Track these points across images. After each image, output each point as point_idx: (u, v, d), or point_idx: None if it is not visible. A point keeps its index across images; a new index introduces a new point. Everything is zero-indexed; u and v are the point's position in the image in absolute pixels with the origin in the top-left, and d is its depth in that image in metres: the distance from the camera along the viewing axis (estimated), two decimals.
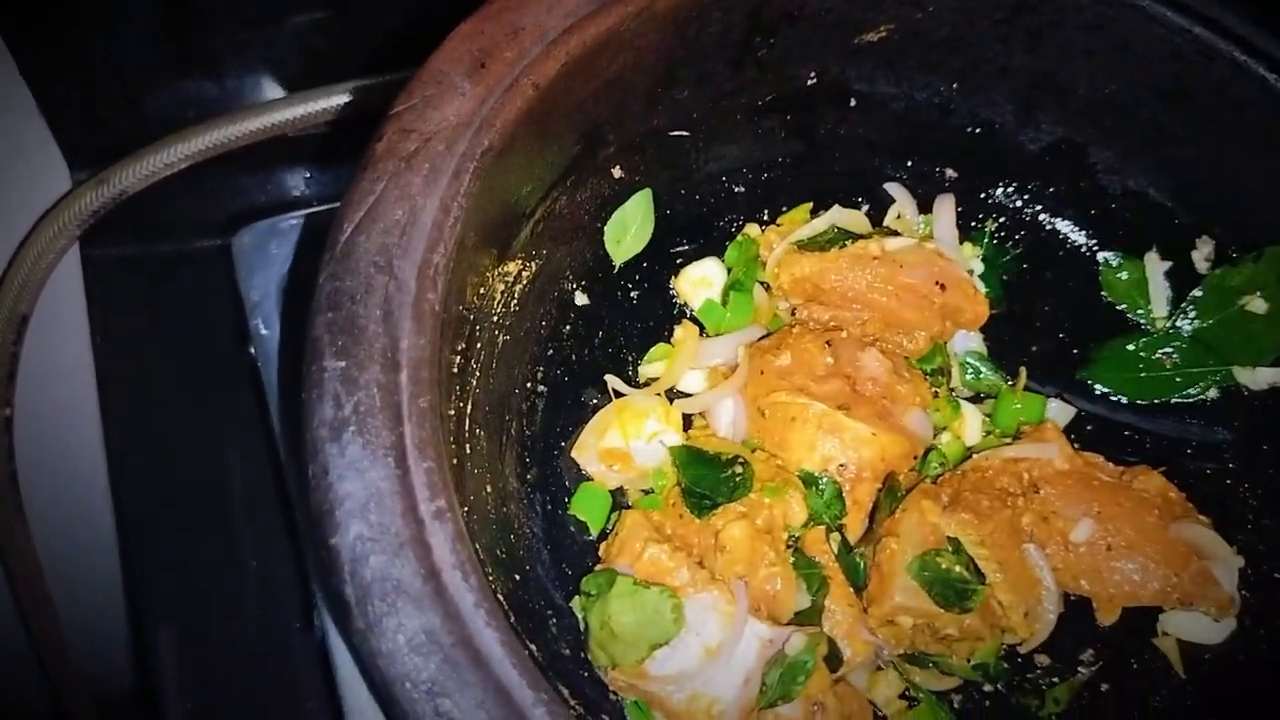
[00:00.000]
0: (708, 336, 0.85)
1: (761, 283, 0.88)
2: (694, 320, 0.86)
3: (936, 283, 0.83)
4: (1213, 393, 0.85)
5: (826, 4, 0.81)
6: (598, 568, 0.73)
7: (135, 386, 1.11)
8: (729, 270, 0.87)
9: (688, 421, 0.82)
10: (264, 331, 0.90)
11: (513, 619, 0.68)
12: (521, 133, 0.68)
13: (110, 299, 1.14)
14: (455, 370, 0.69)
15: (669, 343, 0.85)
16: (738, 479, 0.75)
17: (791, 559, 0.74)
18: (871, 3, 0.81)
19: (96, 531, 1.06)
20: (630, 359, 0.84)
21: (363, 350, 0.58)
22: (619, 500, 0.79)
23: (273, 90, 1.20)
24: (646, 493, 0.79)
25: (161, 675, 0.99)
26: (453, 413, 0.68)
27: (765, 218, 0.90)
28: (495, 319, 0.76)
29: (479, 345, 0.74)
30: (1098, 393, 0.87)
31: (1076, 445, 0.82)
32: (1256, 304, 0.82)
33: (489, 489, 0.73)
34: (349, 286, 0.60)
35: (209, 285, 1.11)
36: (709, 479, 0.76)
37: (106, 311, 1.13)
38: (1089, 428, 0.85)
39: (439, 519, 0.56)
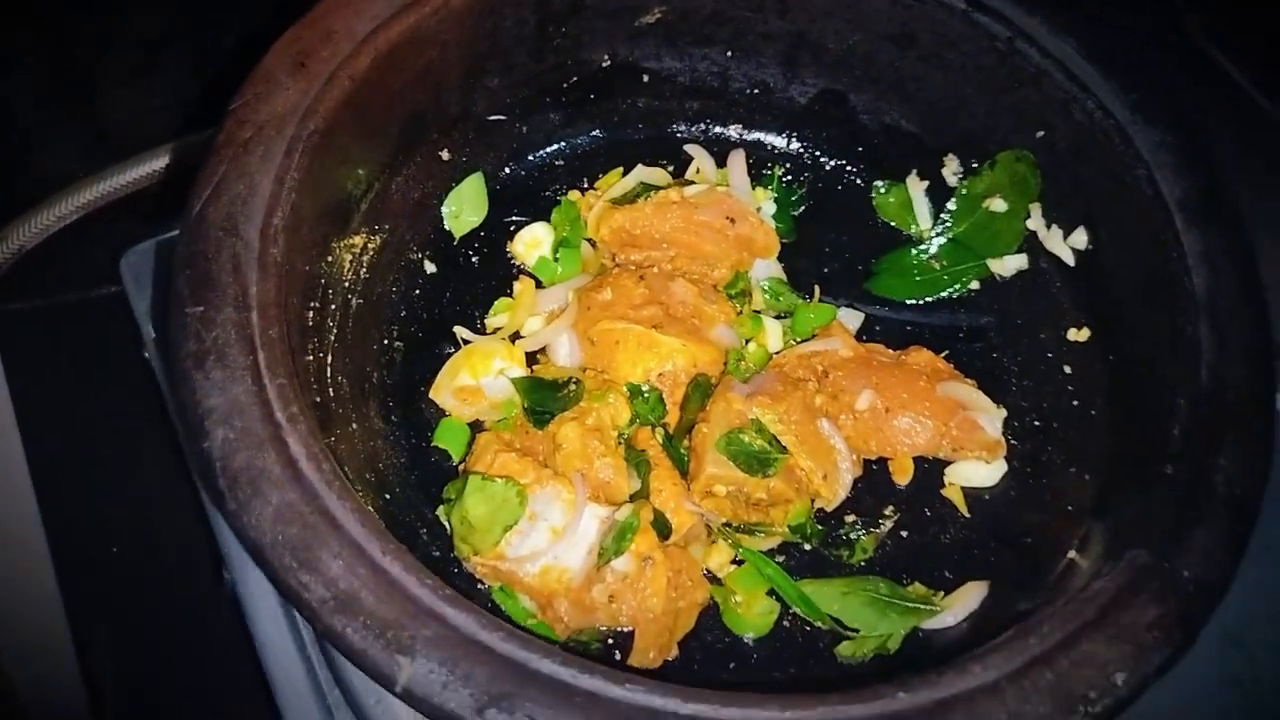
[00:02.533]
0: (543, 288, 0.98)
1: (588, 239, 1.01)
2: (531, 276, 0.99)
3: (727, 217, 0.97)
4: (974, 284, 1.00)
5: None
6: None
7: (54, 420, 1.20)
8: (556, 230, 1.01)
9: (532, 360, 0.95)
10: (154, 334, 1.00)
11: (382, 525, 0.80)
12: (344, 118, 0.82)
13: (20, 347, 1.23)
14: (311, 324, 0.81)
15: (510, 296, 0.98)
16: (571, 394, 0.88)
17: (623, 453, 0.87)
18: None
19: (32, 551, 1.15)
20: (477, 314, 0.97)
21: (217, 296, 0.71)
22: (478, 430, 0.91)
23: (154, 137, 1.31)
24: (500, 421, 0.91)
25: (102, 670, 1.08)
26: (310, 358, 0.80)
27: (584, 185, 1.04)
28: (347, 284, 0.88)
29: (333, 306, 0.86)
30: (882, 299, 1.01)
31: (865, 341, 0.97)
32: (997, 204, 0.98)
33: (355, 426, 0.85)
34: (202, 248, 0.72)
35: (113, 317, 1.21)
36: (548, 398, 0.88)
37: (18, 358, 1.22)
38: (877, 328, 0.99)
39: (293, 422, 0.68)
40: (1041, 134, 0.93)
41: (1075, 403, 0.91)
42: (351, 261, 0.89)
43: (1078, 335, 0.93)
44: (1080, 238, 0.93)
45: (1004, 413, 0.92)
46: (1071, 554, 0.81)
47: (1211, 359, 0.77)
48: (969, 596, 0.84)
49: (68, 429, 1.22)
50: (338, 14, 0.83)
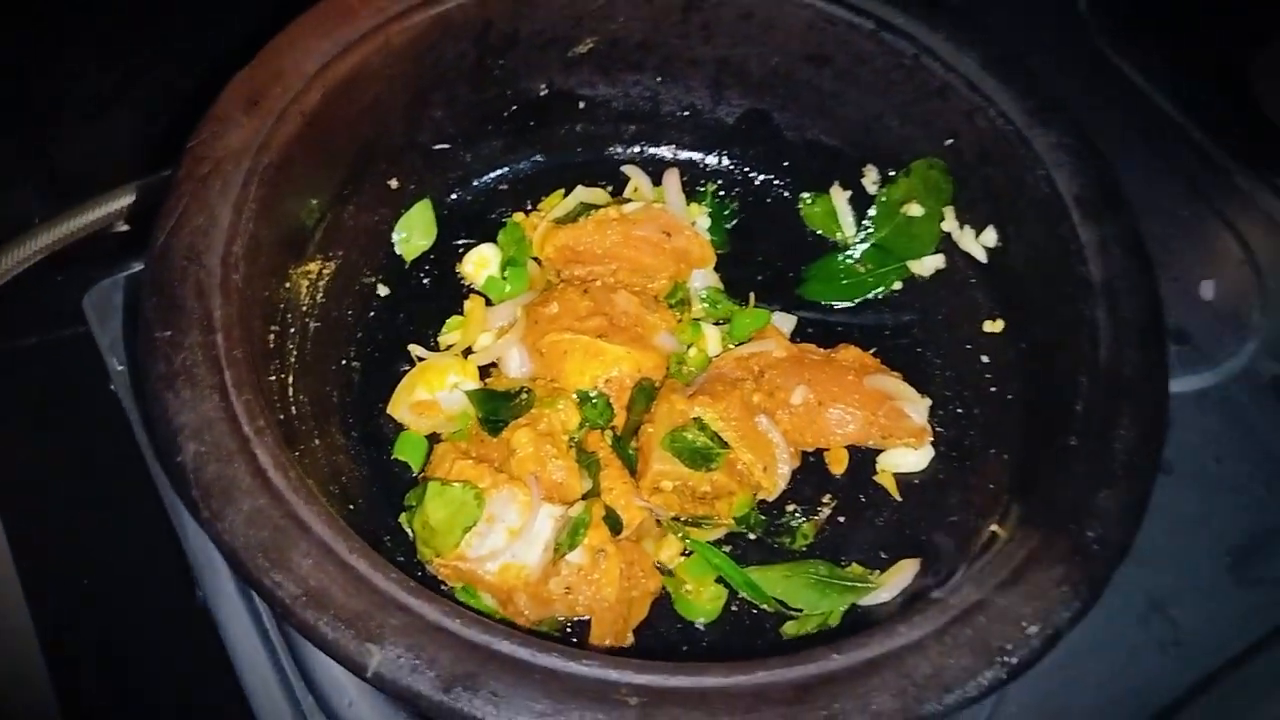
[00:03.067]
0: (493, 305, 1.04)
1: (534, 258, 1.07)
2: (480, 294, 1.05)
3: (664, 232, 1.03)
4: (897, 285, 1.07)
5: (537, 26, 1.01)
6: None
7: (19, 455, 1.22)
8: (503, 251, 1.06)
9: (485, 374, 0.99)
10: (119, 367, 1.04)
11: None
12: (297, 151, 0.87)
13: None
14: (272, 347, 0.86)
15: (461, 314, 1.03)
16: (523, 403, 0.93)
17: (575, 456, 0.92)
18: (572, 21, 1.02)
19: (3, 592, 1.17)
20: (430, 333, 1.01)
21: (184, 321, 0.75)
22: (435, 442, 0.96)
23: (108, 181, 1.33)
24: (457, 432, 0.96)
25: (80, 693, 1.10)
26: (273, 379, 0.85)
27: (528, 206, 1.10)
28: (304, 309, 0.93)
29: (292, 329, 0.90)
30: (812, 303, 1.07)
31: (798, 342, 1.03)
32: (914, 209, 1.05)
33: (317, 442, 0.89)
34: (167, 277, 0.77)
35: (78, 355, 1.24)
36: (501, 408, 0.93)
37: None
38: (809, 330, 1.05)
39: (259, 434, 0.72)
40: (950, 142, 1.00)
41: (993, 389, 0.98)
42: (308, 287, 0.94)
43: (993, 327, 1.00)
44: (990, 236, 1.00)
45: (929, 402, 0.98)
46: (993, 527, 0.87)
47: (1109, 340, 0.84)
48: (902, 573, 0.90)
49: (35, 463, 1.24)
50: (287, 54, 0.88)
